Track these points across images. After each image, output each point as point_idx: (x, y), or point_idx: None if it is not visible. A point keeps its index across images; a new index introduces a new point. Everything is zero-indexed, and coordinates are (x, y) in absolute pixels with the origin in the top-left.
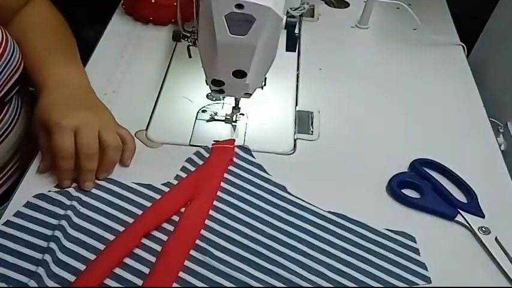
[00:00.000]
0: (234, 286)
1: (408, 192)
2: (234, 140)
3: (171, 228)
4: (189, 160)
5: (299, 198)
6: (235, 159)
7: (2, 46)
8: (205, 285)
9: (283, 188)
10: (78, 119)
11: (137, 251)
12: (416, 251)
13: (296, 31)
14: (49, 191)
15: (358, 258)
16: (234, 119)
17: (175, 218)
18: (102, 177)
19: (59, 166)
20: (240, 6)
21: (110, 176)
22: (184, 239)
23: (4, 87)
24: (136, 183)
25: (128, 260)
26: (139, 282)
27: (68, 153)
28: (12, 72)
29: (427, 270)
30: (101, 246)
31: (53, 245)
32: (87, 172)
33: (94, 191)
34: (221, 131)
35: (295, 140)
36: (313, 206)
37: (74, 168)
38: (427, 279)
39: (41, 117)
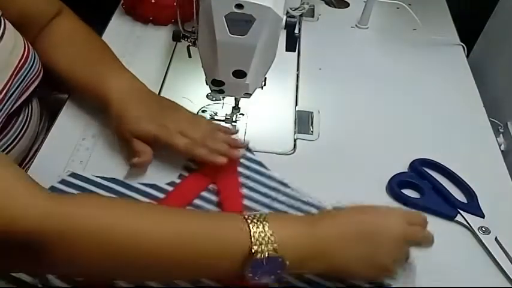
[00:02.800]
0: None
1: (408, 192)
2: None
3: None
4: (191, 159)
5: (299, 192)
6: None
7: (24, 56)
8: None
9: (285, 185)
10: (173, 124)
11: None
12: None
13: (296, 31)
14: (51, 186)
15: None
16: (234, 119)
17: None
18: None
19: (200, 155)
20: (240, 6)
21: (114, 176)
22: None
23: (22, 96)
24: (141, 184)
25: None
26: None
27: (193, 145)
28: (31, 82)
29: None
30: None
31: None
32: (220, 148)
33: (100, 191)
34: None
35: (295, 140)
36: (317, 200)
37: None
38: None
39: (134, 131)
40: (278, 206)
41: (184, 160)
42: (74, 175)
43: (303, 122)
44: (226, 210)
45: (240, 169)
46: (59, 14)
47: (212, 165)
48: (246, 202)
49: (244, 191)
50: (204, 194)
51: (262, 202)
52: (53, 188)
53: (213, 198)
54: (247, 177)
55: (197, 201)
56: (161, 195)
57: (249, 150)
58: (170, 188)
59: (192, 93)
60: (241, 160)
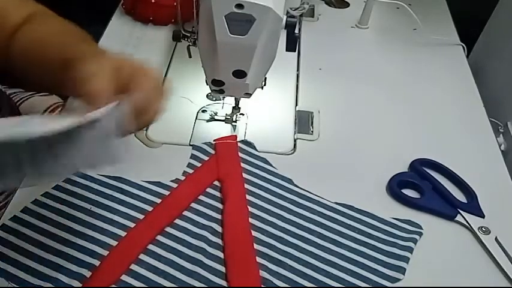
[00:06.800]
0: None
1: (408, 192)
2: (235, 135)
3: (184, 224)
4: (194, 157)
5: (306, 191)
6: (239, 154)
7: None
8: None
9: (290, 181)
10: None
11: (151, 246)
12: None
13: (296, 31)
14: (56, 185)
15: (368, 247)
16: (234, 119)
17: (187, 213)
18: None
19: None
20: (240, 6)
21: (118, 174)
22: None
23: None
24: (145, 181)
25: (143, 256)
26: (154, 277)
27: None
28: None
29: None
30: (114, 243)
31: (61, 247)
32: None
33: (104, 190)
34: (221, 131)
35: (295, 140)
36: (320, 197)
37: None
38: None
39: None
40: (281, 202)
41: (182, 161)
42: (79, 173)
43: (303, 122)
44: (230, 206)
45: (244, 165)
46: (30, 21)
47: (216, 162)
48: (249, 198)
49: (248, 187)
50: (209, 190)
51: (265, 198)
52: (57, 187)
53: (217, 194)
54: (251, 173)
55: (202, 198)
56: (166, 192)
57: (253, 147)
58: (174, 185)
59: (192, 93)
60: (246, 157)
